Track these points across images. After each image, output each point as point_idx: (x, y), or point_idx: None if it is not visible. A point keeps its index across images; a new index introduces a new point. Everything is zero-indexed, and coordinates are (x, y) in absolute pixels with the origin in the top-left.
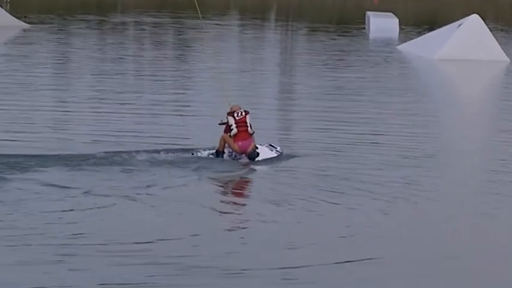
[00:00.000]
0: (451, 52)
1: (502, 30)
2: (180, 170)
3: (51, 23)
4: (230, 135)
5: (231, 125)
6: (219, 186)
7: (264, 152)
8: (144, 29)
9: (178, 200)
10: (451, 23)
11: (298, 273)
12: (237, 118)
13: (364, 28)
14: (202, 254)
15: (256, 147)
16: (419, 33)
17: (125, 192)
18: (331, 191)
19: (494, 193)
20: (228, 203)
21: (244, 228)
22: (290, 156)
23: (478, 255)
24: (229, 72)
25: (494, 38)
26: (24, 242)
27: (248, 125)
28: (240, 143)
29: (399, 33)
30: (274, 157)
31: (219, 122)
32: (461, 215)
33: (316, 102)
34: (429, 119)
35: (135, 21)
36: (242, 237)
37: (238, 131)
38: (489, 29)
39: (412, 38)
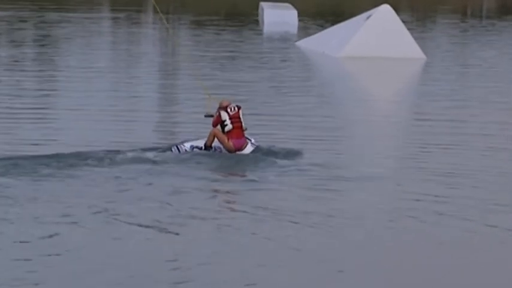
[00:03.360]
0: (358, 48)
1: (417, 22)
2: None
3: None
4: (224, 132)
5: (225, 120)
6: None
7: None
8: None
9: None
10: (358, 14)
11: None
12: (230, 113)
13: (258, 21)
14: None
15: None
16: (322, 27)
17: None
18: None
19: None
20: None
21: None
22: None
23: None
24: (100, 73)
25: (408, 32)
26: None
27: (242, 120)
28: (234, 141)
29: (298, 27)
30: (252, 150)
31: (205, 114)
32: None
33: (198, 106)
34: (332, 124)
35: None
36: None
37: (233, 127)
38: (402, 21)
39: (313, 33)
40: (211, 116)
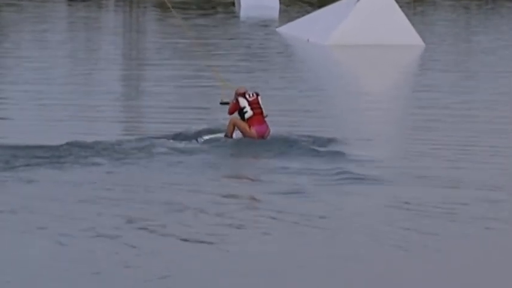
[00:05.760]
0: (348, 35)
1: (415, 4)
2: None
3: None
4: (244, 119)
5: (244, 107)
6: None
7: None
8: None
9: None
10: None
11: None
12: (249, 99)
13: (234, 4)
14: None
15: None
16: (307, 11)
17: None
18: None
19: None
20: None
21: None
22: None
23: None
24: (59, 63)
25: (405, 16)
26: None
27: (261, 106)
28: (256, 128)
29: (279, 10)
30: None
31: (220, 101)
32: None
33: (170, 96)
34: (324, 119)
35: None
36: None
37: (254, 113)
38: (398, 3)
39: (296, 18)
40: (227, 103)
